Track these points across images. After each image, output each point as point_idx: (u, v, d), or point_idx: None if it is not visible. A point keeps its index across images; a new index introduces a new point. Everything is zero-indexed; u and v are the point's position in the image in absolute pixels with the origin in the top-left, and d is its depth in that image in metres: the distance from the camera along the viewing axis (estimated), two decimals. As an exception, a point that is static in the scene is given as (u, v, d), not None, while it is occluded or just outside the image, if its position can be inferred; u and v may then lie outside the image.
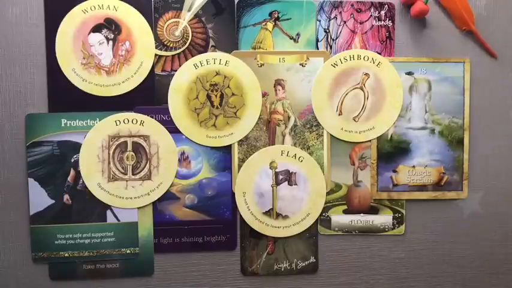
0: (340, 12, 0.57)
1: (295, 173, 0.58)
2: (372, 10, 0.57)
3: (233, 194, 0.57)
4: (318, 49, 0.57)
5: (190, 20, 0.56)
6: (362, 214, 0.59)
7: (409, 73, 0.58)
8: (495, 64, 0.60)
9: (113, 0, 0.55)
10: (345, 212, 0.59)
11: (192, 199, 0.57)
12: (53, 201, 0.55)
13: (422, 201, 0.59)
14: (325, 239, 0.59)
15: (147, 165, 0.56)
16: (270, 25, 0.57)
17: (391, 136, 0.58)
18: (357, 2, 0.57)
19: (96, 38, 0.55)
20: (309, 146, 0.58)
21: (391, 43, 0.58)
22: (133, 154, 0.56)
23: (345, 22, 0.57)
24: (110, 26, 0.55)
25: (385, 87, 0.57)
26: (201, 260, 0.58)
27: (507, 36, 0.59)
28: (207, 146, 0.57)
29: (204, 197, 0.57)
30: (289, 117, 0.57)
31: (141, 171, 0.56)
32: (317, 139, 0.58)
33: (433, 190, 0.59)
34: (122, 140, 0.56)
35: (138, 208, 0.56)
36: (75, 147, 0.55)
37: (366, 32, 0.58)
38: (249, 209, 0.57)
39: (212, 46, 0.56)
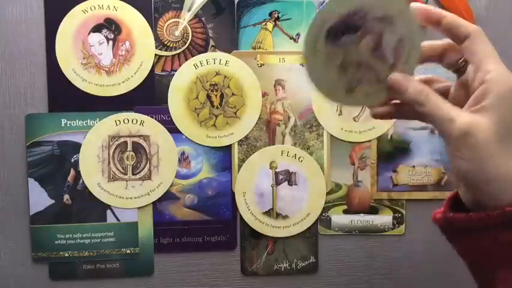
0: (340, 12, 0.57)
1: (295, 173, 0.58)
2: (372, 10, 0.57)
3: (233, 194, 0.57)
4: (318, 49, 0.57)
5: (190, 20, 0.56)
6: (362, 214, 0.59)
7: (409, 73, 0.58)
8: (495, 64, 0.59)
9: (113, 0, 0.55)
10: (345, 212, 0.59)
11: (192, 199, 0.57)
12: (53, 201, 0.55)
13: (422, 201, 0.59)
14: (325, 239, 0.59)
15: (147, 165, 0.56)
16: (270, 25, 0.57)
17: (391, 136, 0.58)
18: (357, 2, 0.57)
19: (96, 38, 0.55)
20: (309, 146, 0.58)
21: (391, 43, 0.58)
22: (133, 154, 0.56)
23: (345, 22, 0.57)
24: (110, 26, 0.55)
25: (385, 87, 0.57)
26: (201, 260, 0.58)
27: (507, 36, 0.59)
28: (207, 146, 0.57)
29: (204, 197, 0.57)
30: (289, 117, 0.57)
31: (141, 171, 0.56)
32: (317, 139, 0.58)
33: (433, 190, 0.59)
34: (122, 140, 0.56)
35: (138, 208, 0.56)
36: (75, 147, 0.55)
37: (366, 32, 0.58)
38: (249, 209, 0.57)
39: (212, 46, 0.56)
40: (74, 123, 0.55)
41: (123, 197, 0.56)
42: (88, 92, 0.55)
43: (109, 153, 0.56)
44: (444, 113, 0.34)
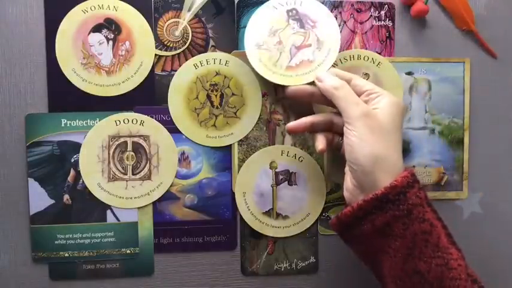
0: (340, 12, 0.57)
1: (295, 173, 0.58)
2: (372, 10, 0.58)
3: (233, 194, 0.57)
4: (318, 49, 0.58)
5: (190, 20, 0.56)
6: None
7: (409, 73, 0.58)
8: (495, 64, 0.60)
9: (113, 0, 0.55)
10: (345, 212, 0.59)
11: (192, 199, 0.57)
12: (53, 201, 0.55)
13: (422, 201, 0.59)
14: (325, 239, 0.59)
15: (147, 165, 0.56)
16: (270, 25, 0.57)
17: (391, 136, 0.58)
18: (357, 2, 0.57)
19: (96, 38, 0.55)
20: (309, 146, 0.58)
21: (391, 43, 0.58)
22: (133, 154, 0.56)
23: (345, 22, 0.57)
24: (110, 26, 0.55)
25: (385, 87, 0.57)
26: (201, 260, 0.58)
27: (507, 36, 0.59)
28: (207, 146, 0.57)
29: (204, 197, 0.57)
30: (289, 117, 0.57)
31: (141, 171, 0.56)
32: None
33: (433, 190, 0.59)
34: (122, 140, 0.56)
35: (138, 208, 0.56)
36: (75, 147, 0.55)
37: (366, 32, 0.58)
38: (249, 209, 0.57)
39: (212, 46, 0.56)
40: (74, 123, 0.55)
41: (123, 197, 0.56)
42: (88, 92, 0.55)
43: (109, 153, 0.56)
44: (353, 98, 0.45)
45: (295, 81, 0.53)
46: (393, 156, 0.44)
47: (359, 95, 0.47)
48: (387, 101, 0.45)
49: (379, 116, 0.44)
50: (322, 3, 0.57)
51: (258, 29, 0.54)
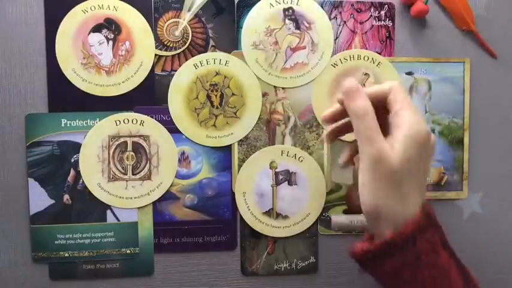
0: (340, 12, 0.57)
1: (295, 173, 0.58)
2: (372, 10, 0.58)
3: (233, 194, 0.57)
4: (318, 49, 0.58)
5: (190, 20, 0.56)
6: (362, 214, 0.59)
7: (409, 73, 0.58)
8: (495, 64, 0.60)
9: (113, 0, 0.55)
10: (345, 212, 0.59)
11: (192, 199, 0.57)
12: (53, 201, 0.55)
13: (422, 201, 0.59)
14: (325, 239, 0.59)
15: (147, 165, 0.56)
16: (270, 25, 0.57)
17: (391, 136, 0.58)
18: (357, 2, 0.57)
19: (96, 38, 0.55)
20: (309, 146, 0.58)
21: (391, 43, 0.58)
22: (133, 154, 0.56)
23: (345, 22, 0.57)
24: (110, 26, 0.55)
25: (385, 87, 0.57)
26: (201, 260, 0.58)
27: (507, 36, 0.59)
28: (207, 146, 0.57)
29: (204, 197, 0.57)
30: (289, 117, 0.57)
31: (141, 171, 0.56)
32: (317, 139, 0.58)
33: (433, 190, 0.59)
34: (122, 140, 0.56)
35: (138, 208, 0.56)
36: (75, 147, 0.55)
37: (366, 32, 0.58)
38: (249, 209, 0.57)
39: (212, 46, 0.56)
40: (74, 123, 0.55)
41: (123, 197, 0.56)
42: (88, 92, 0.55)
43: (109, 153, 0.56)
44: (370, 133, 0.40)
45: (290, 83, 0.55)
46: (400, 204, 0.41)
47: (389, 111, 0.43)
48: (403, 136, 0.40)
49: (392, 159, 0.39)
50: (322, 3, 0.57)
51: (255, 27, 0.55)
